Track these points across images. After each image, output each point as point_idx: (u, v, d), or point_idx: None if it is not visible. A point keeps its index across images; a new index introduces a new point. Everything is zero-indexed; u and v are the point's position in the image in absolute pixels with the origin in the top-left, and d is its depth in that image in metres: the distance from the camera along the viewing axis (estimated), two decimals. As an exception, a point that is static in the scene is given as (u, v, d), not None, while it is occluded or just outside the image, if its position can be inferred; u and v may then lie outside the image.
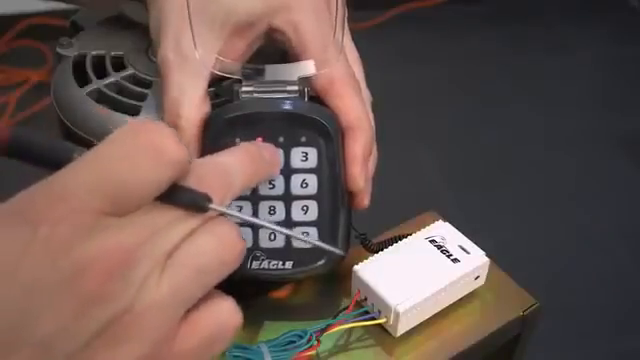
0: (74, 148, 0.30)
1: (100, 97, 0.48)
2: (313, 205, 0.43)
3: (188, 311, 0.29)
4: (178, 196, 0.29)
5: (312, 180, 0.43)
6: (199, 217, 0.29)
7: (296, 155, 0.42)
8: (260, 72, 0.43)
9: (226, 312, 0.31)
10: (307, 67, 0.43)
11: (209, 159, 0.32)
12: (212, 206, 0.30)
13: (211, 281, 0.30)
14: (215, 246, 0.29)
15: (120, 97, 0.48)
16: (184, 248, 0.29)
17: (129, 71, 0.49)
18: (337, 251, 0.42)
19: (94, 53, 0.50)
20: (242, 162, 0.33)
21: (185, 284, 0.29)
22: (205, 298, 0.30)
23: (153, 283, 0.28)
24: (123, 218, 0.27)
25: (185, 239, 0.29)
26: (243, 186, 0.32)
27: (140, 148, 0.28)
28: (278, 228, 0.38)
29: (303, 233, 0.43)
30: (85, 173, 0.27)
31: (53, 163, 0.29)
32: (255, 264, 0.43)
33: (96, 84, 0.48)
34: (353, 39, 0.46)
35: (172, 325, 0.29)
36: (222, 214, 0.31)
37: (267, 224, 0.37)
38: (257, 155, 0.35)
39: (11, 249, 0.26)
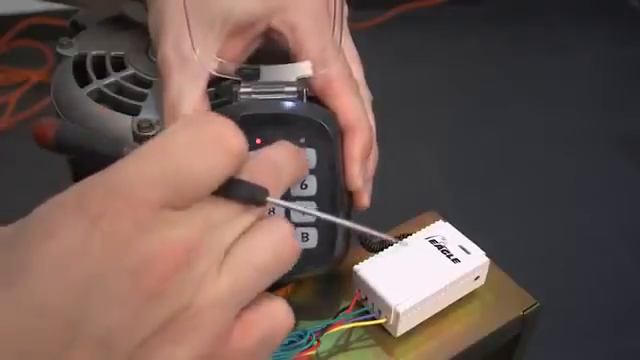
0: (124, 142, 0.30)
1: (100, 97, 0.48)
2: (312, 206, 0.43)
3: (242, 311, 0.29)
4: (236, 189, 0.28)
5: (311, 181, 0.43)
6: (256, 211, 0.29)
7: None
8: (259, 73, 0.43)
9: (280, 313, 0.30)
10: (305, 68, 0.43)
11: (261, 152, 0.32)
12: (270, 199, 0.29)
13: (268, 279, 0.29)
14: (273, 244, 0.29)
15: (120, 97, 0.48)
16: (242, 244, 0.28)
17: (129, 71, 0.49)
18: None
19: (94, 53, 0.50)
20: (287, 158, 0.32)
21: (243, 281, 0.28)
22: (258, 299, 0.29)
23: (212, 279, 0.27)
24: (183, 212, 0.27)
25: (243, 235, 0.29)
26: (289, 182, 0.32)
27: (202, 139, 0.27)
28: (337, 220, 0.38)
29: (303, 234, 0.43)
30: (145, 165, 0.27)
31: (103, 157, 0.29)
32: None
33: (96, 84, 0.48)
34: (353, 39, 0.46)
35: (229, 323, 0.28)
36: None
37: (328, 217, 0.37)
38: (298, 153, 0.34)
39: (70, 243, 0.25)
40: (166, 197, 0.26)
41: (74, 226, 0.25)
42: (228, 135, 0.28)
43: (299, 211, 0.33)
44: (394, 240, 0.45)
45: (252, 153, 0.33)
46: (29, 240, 0.25)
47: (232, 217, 0.28)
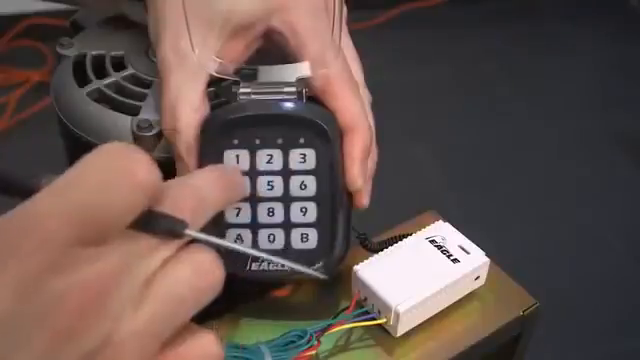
0: (41, 175, 0.29)
1: (100, 97, 0.48)
2: (312, 206, 0.43)
3: (168, 344, 0.28)
4: (153, 222, 0.28)
5: (311, 181, 0.43)
6: (175, 243, 0.28)
7: (294, 156, 0.42)
8: (258, 73, 0.43)
9: (207, 346, 0.29)
10: (305, 68, 0.43)
11: (182, 181, 0.31)
12: (188, 232, 0.29)
13: (189, 310, 0.29)
14: (191, 275, 0.28)
15: (120, 97, 0.48)
16: (160, 277, 0.28)
17: (129, 71, 0.49)
18: (318, 275, 0.39)
19: (94, 53, 0.50)
20: (214, 185, 0.32)
21: (162, 313, 0.28)
22: (185, 331, 0.29)
23: (129, 314, 0.27)
24: (96, 248, 0.26)
25: (162, 267, 0.28)
26: (215, 209, 0.31)
27: (112, 173, 0.27)
28: (249, 251, 0.37)
29: (302, 234, 0.43)
30: (54, 202, 0.26)
31: (19, 191, 0.28)
32: (254, 265, 0.43)
33: (96, 84, 0.48)
34: (353, 39, 0.46)
35: (152, 357, 0.28)
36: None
37: (237, 247, 0.34)
38: (227, 178, 0.34)
39: None
40: (77, 234, 0.25)
41: None
42: (137, 170, 0.27)
43: (221, 245, 0.31)
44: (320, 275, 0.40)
45: (209, 168, 0.33)
46: None
47: (149, 250, 0.28)
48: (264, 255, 0.36)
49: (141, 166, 0.27)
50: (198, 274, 0.29)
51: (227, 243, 0.32)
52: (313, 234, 0.43)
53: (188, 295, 0.28)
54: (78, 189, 0.26)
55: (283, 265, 0.43)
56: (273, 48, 0.44)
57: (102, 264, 0.26)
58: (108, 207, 0.26)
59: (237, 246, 0.33)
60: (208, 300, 0.29)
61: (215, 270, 0.29)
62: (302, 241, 0.43)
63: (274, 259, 0.36)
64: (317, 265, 0.44)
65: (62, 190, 0.26)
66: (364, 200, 0.44)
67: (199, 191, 0.31)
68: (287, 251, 0.43)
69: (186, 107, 0.42)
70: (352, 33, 0.46)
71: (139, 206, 0.27)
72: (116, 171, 0.27)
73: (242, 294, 0.45)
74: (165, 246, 0.28)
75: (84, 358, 0.26)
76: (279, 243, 0.43)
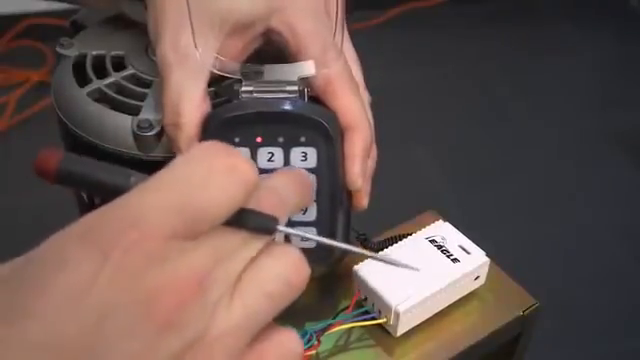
0: (131, 173, 0.29)
1: (100, 97, 0.48)
2: (312, 205, 0.43)
3: (254, 341, 0.29)
4: (246, 219, 0.28)
5: (311, 180, 0.43)
6: (264, 239, 0.29)
7: (295, 155, 0.42)
8: (260, 72, 0.43)
9: (291, 342, 0.30)
10: (307, 67, 0.43)
11: (263, 181, 0.31)
12: (280, 228, 0.29)
13: (280, 305, 0.29)
14: (283, 270, 0.29)
15: (120, 97, 0.48)
16: (253, 272, 0.28)
17: (129, 71, 0.49)
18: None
19: (94, 53, 0.50)
20: (293, 186, 0.32)
21: (256, 308, 0.28)
22: (268, 328, 0.29)
23: (225, 308, 0.27)
24: (194, 242, 0.27)
25: (252, 262, 0.29)
26: (293, 210, 0.32)
27: (214, 170, 0.27)
28: (341, 245, 0.36)
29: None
30: (158, 196, 0.26)
31: (108, 190, 0.28)
32: None
33: (96, 84, 0.48)
34: (353, 39, 0.46)
35: (242, 352, 0.28)
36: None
37: (329, 242, 0.34)
38: (303, 180, 0.34)
39: (81, 276, 0.25)
40: (178, 228, 0.26)
41: (85, 259, 0.25)
42: (242, 167, 0.28)
43: (304, 237, 0.32)
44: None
45: (285, 171, 0.33)
46: (39, 274, 0.25)
47: (241, 246, 0.28)
48: (354, 249, 0.35)
49: (242, 164, 0.28)
50: (290, 269, 0.29)
51: (320, 238, 0.33)
52: (312, 233, 0.43)
53: (279, 291, 0.29)
54: (181, 184, 0.27)
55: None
56: (272, 48, 0.44)
57: (199, 258, 0.27)
58: (210, 202, 0.27)
59: (329, 241, 0.34)
60: (296, 296, 0.30)
61: (305, 265, 0.30)
62: (302, 240, 0.43)
63: (367, 253, 0.35)
64: (317, 264, 0.44)
65: (165, 184, 0.27)
66: (363, 201, 0.44)
67: (278, 192, 0.31)
68: None
69: (188, 103, 0.42)
70: (352, 33, 0.46)
71: (239, 203, 0.28)
72: (219, 168, 0.27)
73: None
74: (256, 241, 0.29)
75: (180, 352, 0.26)
76: (279, 242, 0.43)
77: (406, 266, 0.36)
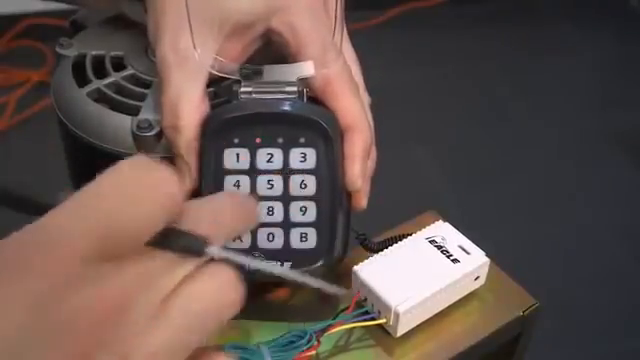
0: (58, 190, 0.27)
1: (100, 97, 0.48)
2: (312, 206, 0.43)
3: None
4: (173, 239, 0.27)
5: (311, 181, 0.43)
6: (194, 261, 0.28)
7: (295, 156, 0.42)
8: (259, 73, 0.43)
9: None
10: (306, 68, 0.43)
11: (201, 201, 0.31)
12: (209, 250, 0.28)
13: (208, 329, 0.28)
14: (212, 291, 0.28)
15: (120, 97, 0.47)
16: (180, 294, 0.27)
17: (129, 71, 0.49)
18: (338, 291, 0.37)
19: (94, 53, 0.50)
20: (232, 209, 0.31)
21: (182, 332, 0.27)
22: (202, 354, 0.28)
23: (147, 332, 0.26)
24: (115, 264, 0.25)
25: (181, 284, 0.27)
26: (231, 234, 0.31)
27: (134, 188, 0.26)
28: (273, 269, 0.33)
29: (302, 234, 0.43)
30: (75, 216, 0.25)
31: (36, 207, 0.27)
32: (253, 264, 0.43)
33: (96, 84, 0.48)
34: (353, 39, 0.46)
35: None
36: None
37: (260, 265, 0.32)
38: (245, 205, 0.33)
39: None
40: (97, 248, 0.25)
41: (1, 284, 0.24)
42: (161, 185, 0.27)
43: (240, 262, 0.30)
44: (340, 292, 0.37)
45: (227, 193, 0.31)
46: None
47: (168, 267, 0.27)
48: (290, 274, 0.33)
49: (165, 181, 0.27)
50: (218, 291, 0.28)
51: (249, 260, 0.30)
52: (312, 234, 0.43)
53: (207, 312, 0.27)
54: (99, 203, 0.26)
55: (282, 264, 0.43)
56: (272, 49, 0.44)
57: (120, 280, 0.25)
58: (130, 222, 0.26)
59: (261, 264, 0.32)
60: (228, 318, 0.28)
61: (237, 286, 0.28)
62: (301, 240, 0.43)
63: (299, 278, 0.33)
64: (317, 265, 0.44)
65: (82, 204, 0.26)
66: (363, 201, 0.44)
67: (217, 213, 0.30)
68: (286, 250, 0.43)
69: (187, 105, 0.42)
70: (352, 33, 0.46)
71: (161, 221, 0.26)
72: (139, 185, 0.26)
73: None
74: (185, 263, 0.27)
75: None
76: (278, 242, 0.43)
77: (335, 292, 0.34)
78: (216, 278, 0.28)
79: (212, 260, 0.28)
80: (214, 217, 0.30)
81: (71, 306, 0.24)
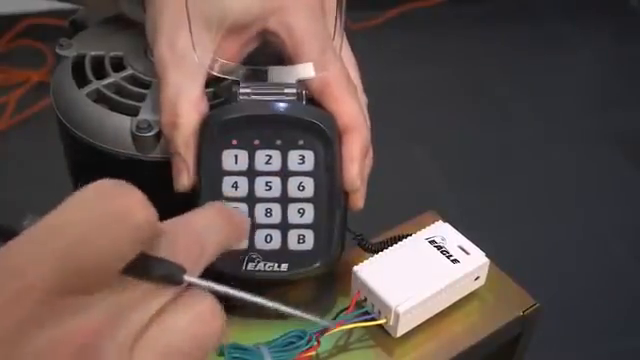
0: (24, 216, 0.26)
1: (99, 97, 0.48)
2: (309, 208, 0.43)
3: None
4: (148, 268, 0.25)
5: (309, 183, 0.43)
6: (172, 290, 0.26)
7: (293, 158, 0.42)
8: (258, 74, 0.43)
9: None
10: (306, 70, 0.43)
11: (179, 221, 0.29)
12: (186, 278, 0.26)
13: None
14: (189, 323, 0.26)
15: (119, 98, 0.47)
16: (155, 327, 0.25)
17: (128, 72, 0.49)
18: (322, 322, 0.38)
19: (93, 54, 0.50)
20: (215, 224, 0.29)
21: None
22: None
23: None
24: (84, 297, 0.24)
25: (157, 315, 0.26)
26: (216, 252, 0.29)
27: (101, 215, 0.24)
28: (256, 300, 0.30)
29: (299, 236, 0.43)
30: (34, 248, 0.23)
31: (2, 233, 0.25)
32: (250, 266, 0.43)
33: (95, 84, 0.48)
34: (353, 39, 0.46)
35: None
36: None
37: (241, 295, 0.29)
38: (229, 218, 0.31)
39: None
40: (61, 282, 0.23)
41: None
42: (133, 209, 0.25)
43: (223, 294, 0.28)
44: (318, 321, 0.39)
45: (207, 206, 0.29)
46: None
47: (143, 299, 0.25)
48: (271, 304, 0.31)
49: (135, 206, 0.25)
50: (197, 322, 0.26)
51: (230, 290, 0.29)
52: (310, 235, 0.43)
53: (186, 346, 0.26)
54: (61, 233, 0.24)
55: (279, 266, 0.43)
56: (269, 50, 0.44)
57: (88, 316, 0.24)
58: (95, 253, 0.24)
59: (242, 294, 0.29)
60: (209, 350, 0.27)
61: (217, 317, 0.27)
62: (299, 242, 0.43)
63: (283, 309, 0.32)
64: (314, 266, 0.44)
65: (43, 235, 0.24)
66: (360, 202, 0.44)
67: (198, 232, 0.28)
68: (283, 251, 0.43)
69: (186, 103, 0.42)
70: (352, 33, 0.46)
71: (133, 249, 0.25)
72: (105, 214, 0.24)
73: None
74: (161, 293, 0.26)
75: None
76: (276, 244, 0.43)
77: (318, 322, 0.33)
78: (195, 308, 0.27)
79: (188, 287, 0.27)
80: (194, 237, 0.28)
81: (34, 346, 0.23)
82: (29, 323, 0.23)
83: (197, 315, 0.26)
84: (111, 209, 0.24)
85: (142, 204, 0.25)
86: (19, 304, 0.23)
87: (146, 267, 0.25)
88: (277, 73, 0.43)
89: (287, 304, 0.31)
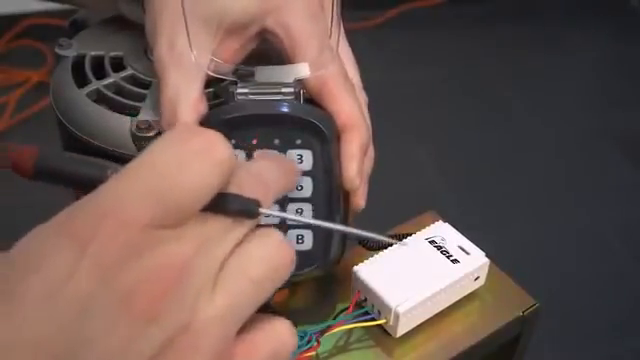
0: (107, 165, 0.28)
1: (99, 98, 0.48)
2: (308, 208, 0.43)
3: (243, 331, 0.28)
4: (227, 203, 0.27)
5: (307, 183, 0.43)
6: (247, 224, 0.28)
7: (291, 157, 0.42)
8: (255, 73, 0.43)
9: (283, 334, 0.29)
10: (303, 69, 0.42)
11: (244, 165, 0.30)
12: (262, 210, 0.28)
13: (266, 291, 0.28)
14: (267, 254, 0.28)
15: (119, 98, 0.47)
16: (236, 258, 0.27)
17: (128, 72, 0.49)
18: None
19: (93, 54, 0.50)
20: (276, 169, 0.31)
21: (241, 295, 0.27)
22: (259, 317, 0.28)
23: (208, 297, 0.26)
24: (173, 230, 0.26)
25: (236, 248, 0.28)
26: (277, 193, 0.31)
27: (190, 153, 0.26)
28: (334, 226, 0.36)
29: (298, 236, 0.43)
30: (133, 184, 0.26)
31: (85, 183, 0.27)
32: None
33: (95, 85, 0.48)
34: (352, 39, 0.46)
35: (230, 341, 0.27)
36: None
37: (320, 223, 0.35)
38: (286, 164, 0.33)
39: (59, 272, 0.24)
40: (156, 216, 0.25)
41: (61, 254, 0.24)
42: (216, 147, 0.27)
43: (293, 220, 0.32)
44: (393, 241, 0.45)
45: (240, 161, 0.32)
46: (13, 276, 0.24)
47: (224, 232, 0.27)
48: (353, 231, 0.35)
49: (218, 146, 0.27)
50: (273, 252, 0.28)
51: (307, 219, 0.33)
52: (309, 235, 0.43)
53: (263, 275, 0.28)
54: (154, 171, 0.26)
55: None
56: (268, 49, 0.44)
57: (179, 247, 0.26)
58: (185, 188, 0.26)
59: (320, 222, 0.33)
60: (284, 278, 0.29)
61: (289, 249, 0.29)
62: (298, 242, 0.43)
63: (364, 234, 0.35)
64: (313, 267, 0.43)
65: (138, 172, 0.26)
66: (361, 201, 0.44)
67: (261, 174, 0.30)
68: None
69: (185, 104, 0.42)
70: (352, 33, 0.46)
71: (217, 185, 0.27)
72: (193, 151, 0.27)
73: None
74: (239, 226, 0.28)
75: (163, 345, 0.25)
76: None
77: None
78: (269, 240, 0.29)
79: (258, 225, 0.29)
80: (259, 179, 0.30)
81: (131, 274, 0.25)
82: (129, 252, 0.25)
83: (272, 245, 0.28)
84: (196, 147, 0.27)
85: (222, 140, 0.27)
86: (120, 235, 0.25)
87: (224, 202, 0.27)
88: (272, 72, 0.43)
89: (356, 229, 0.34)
